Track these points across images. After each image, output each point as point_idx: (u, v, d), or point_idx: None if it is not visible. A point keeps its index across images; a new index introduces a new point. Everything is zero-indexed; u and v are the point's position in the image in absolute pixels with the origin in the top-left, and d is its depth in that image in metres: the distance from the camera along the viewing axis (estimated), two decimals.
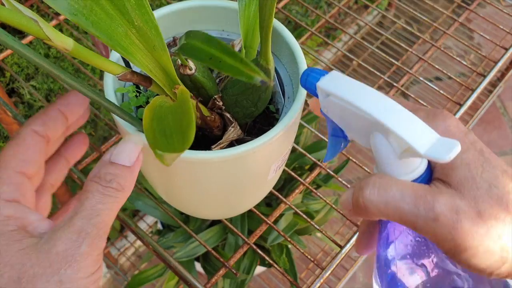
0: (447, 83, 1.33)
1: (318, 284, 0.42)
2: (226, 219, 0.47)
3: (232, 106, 0.34)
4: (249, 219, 0.71)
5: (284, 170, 0.45)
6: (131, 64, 0.35)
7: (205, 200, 0.40)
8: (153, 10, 0.29)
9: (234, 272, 0.42)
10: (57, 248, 0.25)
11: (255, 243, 0.45)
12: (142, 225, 1.02)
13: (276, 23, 0.36)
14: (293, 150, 0.70)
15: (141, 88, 0.36)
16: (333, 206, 0.47)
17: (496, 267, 0.25)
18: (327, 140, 0.35)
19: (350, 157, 0.50)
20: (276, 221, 0.69)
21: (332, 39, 1.33)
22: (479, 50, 0.60)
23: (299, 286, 0.45)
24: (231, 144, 0.34)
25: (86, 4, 0.27)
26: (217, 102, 0.33)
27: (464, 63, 0.59)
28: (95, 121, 1.06)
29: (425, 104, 0.55)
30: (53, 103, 0.35)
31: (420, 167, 0.27)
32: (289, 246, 0.74)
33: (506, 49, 0.59)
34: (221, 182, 0.35)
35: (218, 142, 0.33)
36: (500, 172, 0.26)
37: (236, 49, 0.37)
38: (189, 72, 0.31)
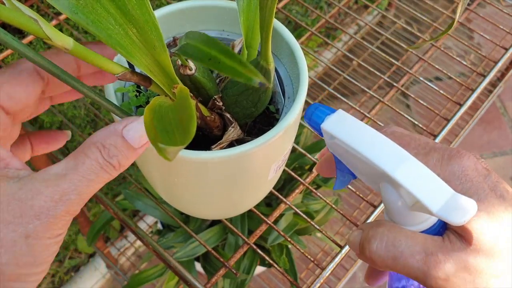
0: (447, 83, 1.33)
1: (318, 284, 0.42)
2: (226, 219, 0.47)
3: (232, 106, 0.34)
4: (249, 219, 0.71)
5: (284, 170, 0.45)
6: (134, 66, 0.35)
7: (205, 200, 0.40)
8: (153, 10, 0.29)
9: (234, 272, 0.42)
10: (33, 201, 0.23)
11: (255, 243, 0.45)
12: (142, 225, 1.02)
13: (276, 23, 0.36)
14: (293, 150, 0.70)
15: (141, 88, 0.36)
16: (333, 206, 0.47)
17: None
18: None
19: None
20: (276, 221, 0.69)
21: (332, 39, 1.33)
22: (479, 50, 0.60)
23: (299, 286, 0.45)
24: (231, 144, 0.34)
25: (87, 2, 0.27)
26: (217, 102, 0.33)
27: (464, 63, 0.59)
28: (95, 121, 1.06)
29: (425, 104, 0.55)
30: None
31: (432, 217, 0.25)
32: (289, 246, 0.74)
33: (506, 49, 0.59)
34: (221, 182, 0.35)
35: (218, 142, 0.33)
36: None
37: (237, 49, 0.36)
38: (189, 72, 0.31)
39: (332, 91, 0.55)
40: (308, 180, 0.48)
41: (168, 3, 0.45)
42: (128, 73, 0.28)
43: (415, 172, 0.24)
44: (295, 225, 0.70)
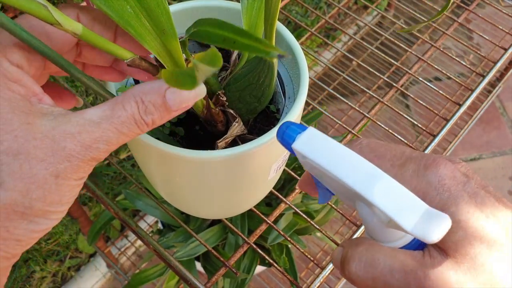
0: (447, 83, 1.33)
1: (318, 283, 0.42)
2: (226, 219, 0.48)
3: (235, 102, 0.34)
4: (249, 219, 0.71)
5: (284, 170, 0.45)
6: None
7: (205, 200, 0.40)
8: None
9: (234, 271, 0.42)
10: (66, 143, 0.23)
11: (255, 243, 0.45)
12: (143, 225, 1.02)
13: (277, 23, 0.36)
14: None
15: None
16: (333, 206, 0.48)
17: None
18: None
19: None
20: (276, 221, 0.69)
21: (331, 39, 1.34)
22: (478, 51, 0.60)
23: (299, 285, 0.45)
24: (234, 141, 0.34)
25: None
26: (221, 98, 0.33)
27: (464, 63, 0.60)
28: None
29: (424, 104, 0.55)
30: None
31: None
32: (289, 245, 0.74)
33: (505, 50, 0.59)
34: (221, 181, 0.35)
35: (224, 137, 0.33)
36: (507, 226, 0.23)
37: None
38: None
39: (332, 91, 0.55)
40: None
41: (169, 4, 0.45)
42: (137, 59, 0.28)
43: (386, 190, 0.23)
44: (295, 225, 0.70)
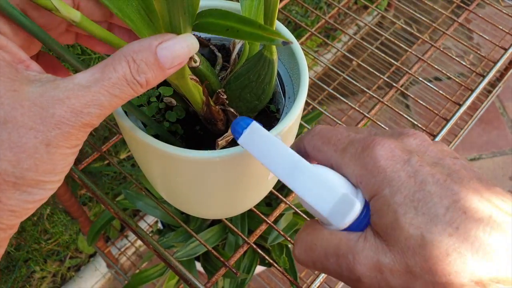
0: (447, 83, 1.33)
1: (318, 283, 0.42)
2: (226, 219, 0.48)
3: (236, 101, 0.34)
4: (249, 219, 0.71)
5: None
6: None
7: (205, 200, 0.40)
8: None
9: (234, 271, 0.42)
10: (54, 110, 0.22)
11: (255, 243, 0.45)
12: (143, 225, 1.02)
13: (276, 23, 0.36)
14: None
15: None
16: None
17: None
18: None
19: None
20: (276, 221, 0.69)
21: (331, 39, 1.34)
22: (478, 51, 0.60)
23: (299, 285, 0.45)
24: (234, 141, 0.34)
25: None
26: (221, 96, 0.33)
27: (464, 63, 0.59)
28: None
29: (424, 104, 0.55)
30: None
31: (352, 212, 0.23)
32: (289, 245, 0.74)
33: (505, 50, 0.59)
34: (221, 181, 0.35)
35: (224, 135, 0.33)
36: (443, 208, 0.21)
37: (238, 47, 0.37)
38: (193, 64, 0.31)
39: (332, 91, 0.55)
40: None
41: None
42: None
43: (306, 179, 0.23)
44: (295, 225, 0.70)
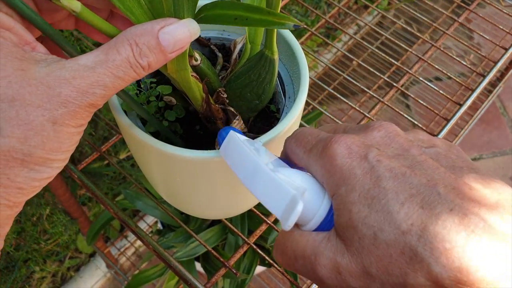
0: (447, 83, 1.33)
1: None
2: (226, 219, 0.47)
3: (236, 100, 0.34)
4: (249, 219, 0.71)
5: None
6: None
7: (205, 200, 0.40)
8: None
9: (234, 272, 0.42)
10: (61, 89, 0.23)
11: (255, 243, 0.45)
12: (142, 225, 1.02)
13: None
14: None
15: (142, 86, 0.36)
16: None
17: None
18: None
19: None
20: (276, 221, 0.69)
21: (332, 39, 1.34)
22: (478, 50, 0.60)
23: (299, 285, 0.45)
24: None
25: None
26: (222, 95, 0.33)
27: (464, 63, 0.59)
28: (95, 121, 1.06)
29: (424, 104, 0.55)
30: None
31: (318, 212, 0.23)
32: None
33: (506, 49, 0.59)
34: (221, 181, 0.35)
35: None
36: (398, 203, 0.20)
37: (239, 46, 0.37)
38: (194, 63, 0.31)
39: (332, 91, 0.55)
40: None
41: None
42: None
43: (263, 183, 0.24)
44: None
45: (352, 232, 0.21)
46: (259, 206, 0.46)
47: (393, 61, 0.58)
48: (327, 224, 0.23)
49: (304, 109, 0.61)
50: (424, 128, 0.53)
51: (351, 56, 0.59)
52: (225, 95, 0.33)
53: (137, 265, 1.03)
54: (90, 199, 1.06)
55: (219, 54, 0.38)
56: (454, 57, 0.60)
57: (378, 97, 0.55)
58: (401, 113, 0.54)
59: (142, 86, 0.36)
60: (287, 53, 0.37)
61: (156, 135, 0.34)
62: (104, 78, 0.24)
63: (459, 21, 0.63)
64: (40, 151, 0.23)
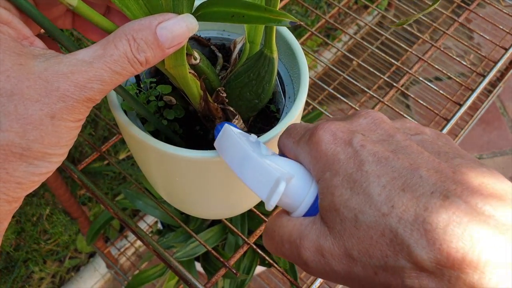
0: (447, 83, 1.33)
1: (318, 284, 0.42)
2: (226, 219, 0.47)
3: (235, 100, 0.34)
4: (249, 219, 0.71)
5: None
6: None
7: (205, 200, 0.40)
8: None
9: (234, 272, 0.42)
10: (59, 84, 0.23)
11: (255, 243, 0.45)
12: (142, 225, 1.02)
13: None
14: None
15: (142, 86, 0.36)
16: None
17: None
18: None
19: None
20: None
21: (332, 39, 1.34)
22: (478, 50, 0.60)
23: (299, 286, 0.45)
24: None
25: None
26: (221, 94, 0.33)
27: (464, 63, 0.59)
28: (95, 121, 1.06)
29: (425, 104, 0.55)
30: None
31: (306, 199, 0.24)
32: None
33: (506, 49, 0.59)
34: (221, 181, 0.35)
35: None
36: (379, 186, 0.20)
37: (238, 46, 0.37)
38: (193, 62, 0.31)
39: (332, 91, 0.55)
40: None
41: None
42: None
43: (250, 169, 0.24)
44: None
45: (335, 214, 0.21)
46: (259, 206, 0.46)
47: (393, 61, 0.58)
48: (314, 210, 0.24)
49: (304, 109, 0.61)
50: None
51: (351, 56, 0.59)
52: (225, 94, 0.33)
53: (137, 265, 1.03)
54: (90, 199, 1.06)
55: (219, 54, 0.38)
56: (454, 57, 0.60)
57: (378, 97, 0.55)
58: (401, 113, 0.54)
59: (142, 86, 0.36)
60: (287, 53, 0.37)
61: (156, 135, 0.34)
62: (102, 73, 0.24)
63: (459, 21, 0.63)
64: (39, 145, 0.23)
